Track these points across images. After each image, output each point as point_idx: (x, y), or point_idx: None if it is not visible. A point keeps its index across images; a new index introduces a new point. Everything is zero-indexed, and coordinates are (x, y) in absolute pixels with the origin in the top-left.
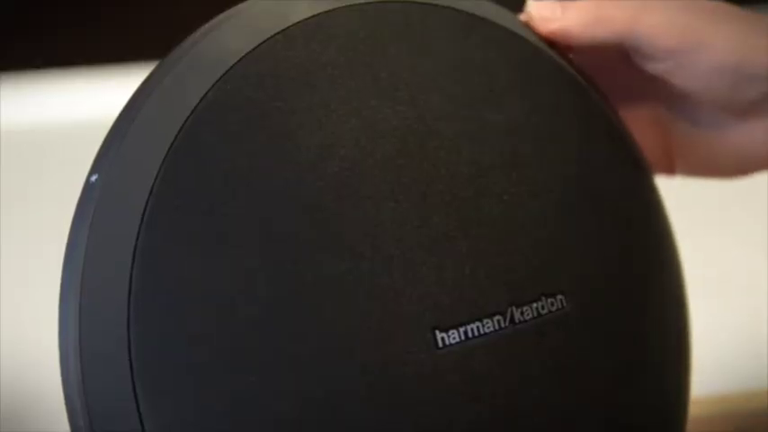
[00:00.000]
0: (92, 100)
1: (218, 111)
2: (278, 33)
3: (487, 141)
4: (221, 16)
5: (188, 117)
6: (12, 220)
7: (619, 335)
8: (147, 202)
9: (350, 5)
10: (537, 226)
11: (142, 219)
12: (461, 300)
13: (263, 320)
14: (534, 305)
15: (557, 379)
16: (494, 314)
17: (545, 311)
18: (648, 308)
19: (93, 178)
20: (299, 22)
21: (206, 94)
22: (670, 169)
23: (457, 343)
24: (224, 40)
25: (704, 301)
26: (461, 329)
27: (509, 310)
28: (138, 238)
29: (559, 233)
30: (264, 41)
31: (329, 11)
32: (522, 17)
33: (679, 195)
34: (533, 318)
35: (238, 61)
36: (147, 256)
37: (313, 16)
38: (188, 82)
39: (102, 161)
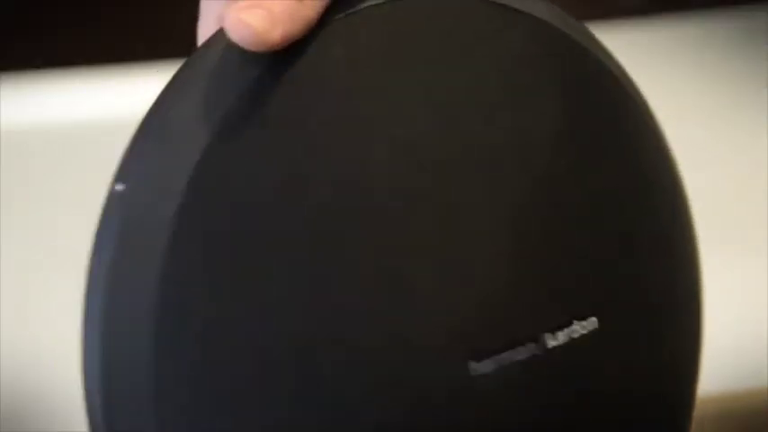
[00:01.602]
0: (92, 100)
1: (252, 118)
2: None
3: (530, 158)
4: None
5: (220, 125)
6: (12, 220)
7: (642, 345)
8: (175, 218)
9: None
10: (570, 246)
11: (172, 235)
12: (495, 328)
13: (291, 351)
14: (566, 329)
15: (587, 397)
16: (527, 341)
17: (576, 335)
18: (665, 309)
19: (120, 187)
20: (334, 20)
21: (240, 96)
22: None
23: (491, 372)
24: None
25: (704, 301)
26: (495, 358)
27: (542, 337)
28: (166, 257)
29: (588, 251)
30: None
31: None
32: None
33: None
34: (566, 341)
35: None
36: (175, 278)
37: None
38: (220, 85)
39: (128, 169)
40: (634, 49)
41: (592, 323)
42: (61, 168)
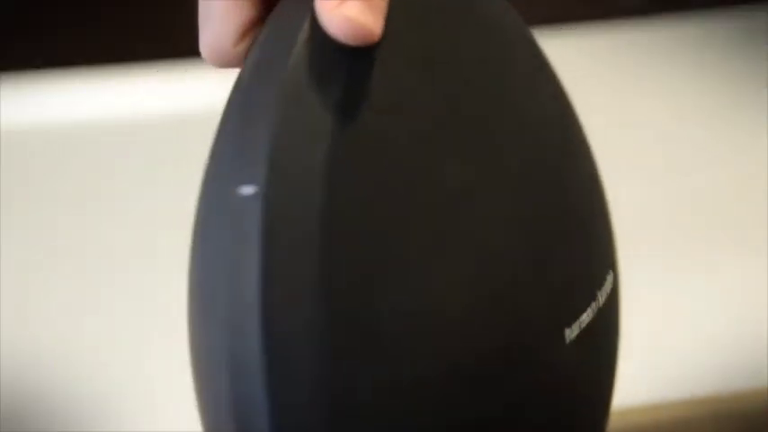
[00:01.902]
0: (92, 100)
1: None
2: None
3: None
4: None
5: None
6: (12, 220)
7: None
8: (323, 220)
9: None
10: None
11: (324, 239)
12: (578, 293)
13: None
14: (604, 287)
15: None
16: (591, 302)
17: (609, 289)
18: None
19: (249, 190)
20: None
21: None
22: None
23: (576, 336)
24: None
25: (705, 301)
26: (578, 322)
27: (597, 295)
28: (322, 265)
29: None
30: None
31: None
32: None
33: (679, 196)
34: (604, 298)
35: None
36: (339, 281)
37: None
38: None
39: (253, 169)
40: (634, 49)
41: (609, 281)
42: (61, 168)
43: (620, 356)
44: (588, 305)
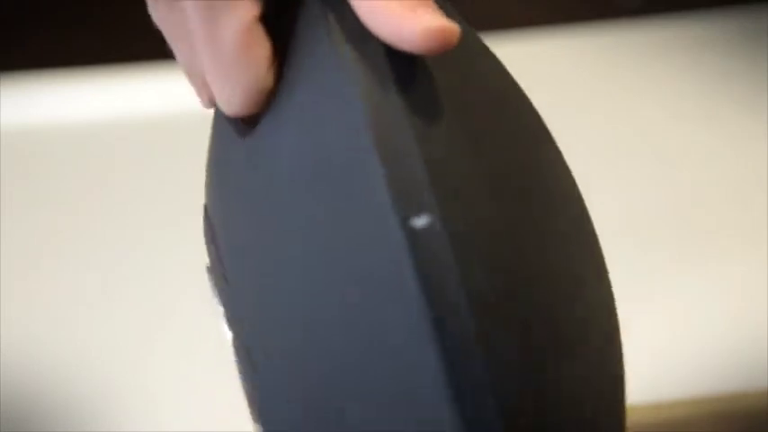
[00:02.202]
0: (92, 100)
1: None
2: None
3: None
4: None
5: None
6: (12, 220)
7: None
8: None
9: None
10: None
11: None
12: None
13: None
14: None
15: None
16: None
17: None
18: None
19: (422, 222)
20: None
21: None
22: None
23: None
24: None
25: (705, 301)
26: None
27: None
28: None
29: None
30: None
31: None
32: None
33: (678, 196)
34: None
35: None
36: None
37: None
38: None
39: (421, 198)
40: (634, 49)
41: None
42: (61, 168)
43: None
44: None
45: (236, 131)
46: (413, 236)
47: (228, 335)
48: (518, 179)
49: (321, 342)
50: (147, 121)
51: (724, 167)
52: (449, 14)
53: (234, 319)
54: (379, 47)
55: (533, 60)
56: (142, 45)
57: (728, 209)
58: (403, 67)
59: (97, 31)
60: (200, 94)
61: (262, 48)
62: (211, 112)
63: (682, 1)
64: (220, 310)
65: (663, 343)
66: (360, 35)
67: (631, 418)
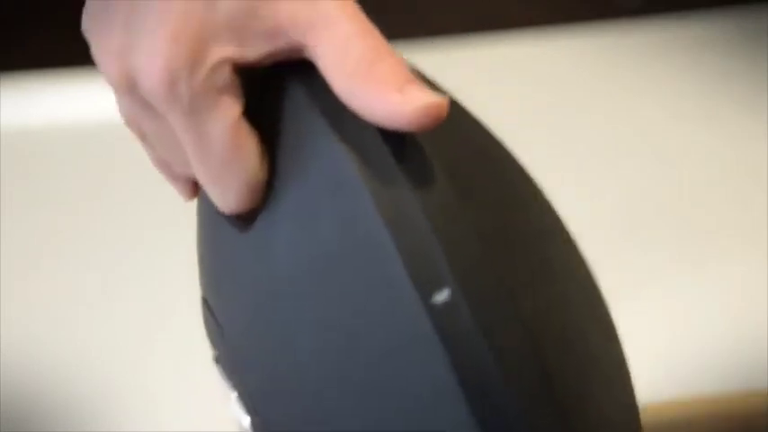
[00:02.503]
0: (92, 100)
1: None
2: None
3: None
4: None
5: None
6: (12, 220)
7: None
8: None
9: None
10: None
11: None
12: None
13: None
14: None
15: None
16: None
17: None
18: None
19: (441, 297)
20: None
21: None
22: None
23: None
24: None
25: (705, 301)
26: None
27: None
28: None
29: None
30: None
31: None
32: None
33: (679, 196)
34: None
35: None
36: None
37: None
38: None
39: (437, 270)
40: (634, 49)
41: None
42: (61, 168)
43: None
44: None
45: (232, 226)
46: (436, 312)
47: (245, 419)
48: (521, 238)
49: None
50: None
51: (724, 167)
52: (425, 81)
53: (249, 408)
54: (371, 130)
55: (533, 60)
56: None
57: (728, 209)
58: (396, 144)
59: None
60: (181, 191)
61: (251, 143)
62: None
63: (682, 1)
64: (233, 395)
65: (663, 343)
66: (351, 120)
67: None
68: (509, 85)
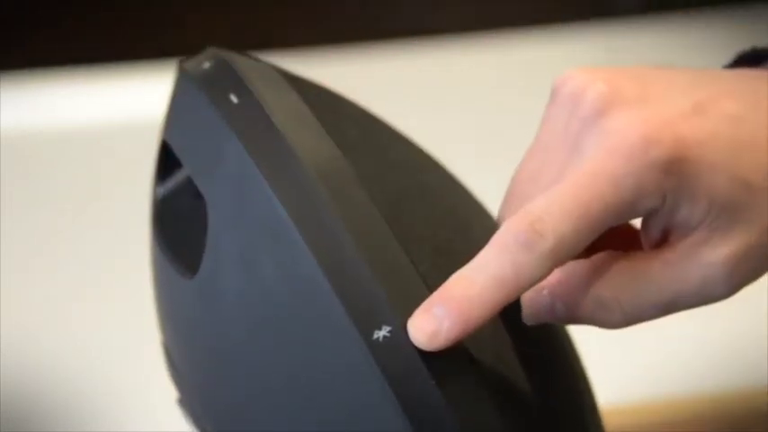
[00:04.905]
0: (92, 100)
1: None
2: None
3: None
4: None
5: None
6: (12, 220)
7: None
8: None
9: None
10: None
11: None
12: None
13: None
14: None
15: None
16: None
17: None
18: None
19: (380, 334)
20: None
21: None
22: None
23: None
24: None
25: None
26: None
27: None
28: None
29: None
30: None
31: None
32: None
33: None
34: None
35: None
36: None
37: None
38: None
39: (381, 312)
40: (634, 49)
41: None
42: (61, 169)
43: (621, 356)
44: None
45: (180, 274)
46: (375, 347)
47: None
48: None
49: None
50: (147, 120)
51: None
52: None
53: None
54: (303, 173)
55: (533, 60)
56: (142, 45)
57: None
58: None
59: (97, 31)
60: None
61: None
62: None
63: (682, 1)
64: None
65: (663, 343)
66: (284, 163)
67: (631, 419)
68: (509, 85)
